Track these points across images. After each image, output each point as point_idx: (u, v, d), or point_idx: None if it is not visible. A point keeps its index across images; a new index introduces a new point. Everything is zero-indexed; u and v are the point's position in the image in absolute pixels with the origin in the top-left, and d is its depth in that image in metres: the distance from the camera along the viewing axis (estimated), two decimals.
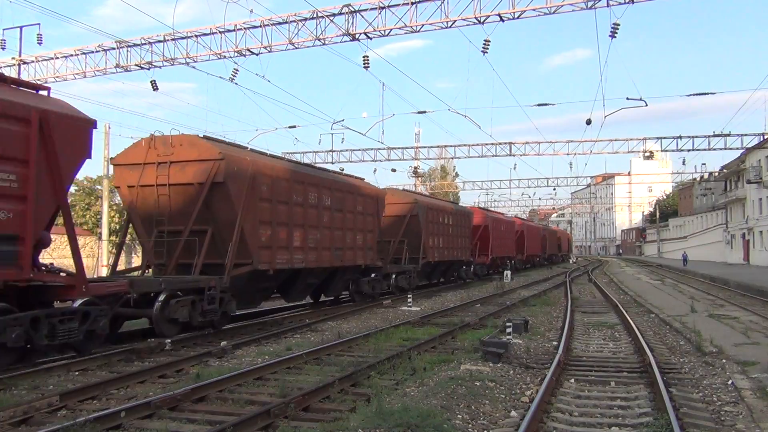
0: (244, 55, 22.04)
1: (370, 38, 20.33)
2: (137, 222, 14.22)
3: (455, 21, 19.08)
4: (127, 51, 24.00)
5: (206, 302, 12.59)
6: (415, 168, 54.19)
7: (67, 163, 9.69)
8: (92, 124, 10.25)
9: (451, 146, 40.60)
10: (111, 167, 15.42)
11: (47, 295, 9.94)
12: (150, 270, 14.41)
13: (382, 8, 19.71)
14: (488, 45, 19.75)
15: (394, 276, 22.45)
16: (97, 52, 24.71)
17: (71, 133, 9.78)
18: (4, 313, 8.82)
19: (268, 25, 21.39)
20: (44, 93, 10.08)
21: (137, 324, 14.76)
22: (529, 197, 76.97)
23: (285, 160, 17.38)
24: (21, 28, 27.07)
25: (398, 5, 19.55)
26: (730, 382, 8.87)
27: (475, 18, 18.80)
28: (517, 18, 18.67)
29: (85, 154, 10.15)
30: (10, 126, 8.84)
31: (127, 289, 11.24)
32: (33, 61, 26.39)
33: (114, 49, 24.21)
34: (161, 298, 11.86)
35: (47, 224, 9.77)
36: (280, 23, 21.27)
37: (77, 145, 9.95)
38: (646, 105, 25.65)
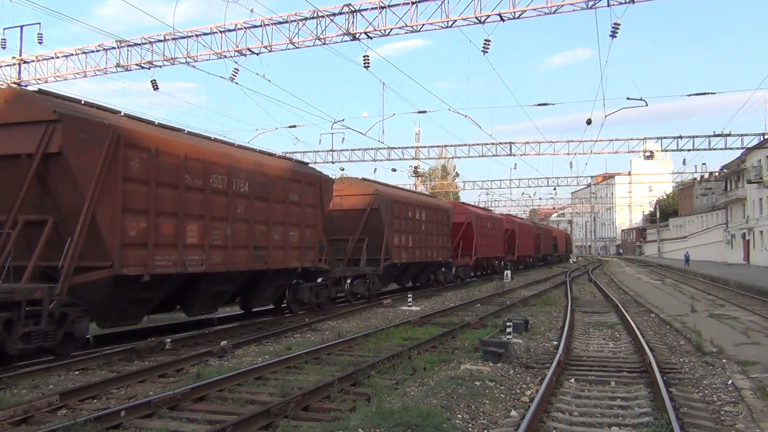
0: (245, 55, 22.04)
1: (371, 38, 20.35)
2: None
3: (456, 21, 19.08)
4: (128, 50, 24.02)
5: (25, 322, 9.33)
6: (416, 168, 54.22)
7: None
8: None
9: (451, 146, 40.64)
10: None
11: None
12: None
13: (383, 8, 19.72)
14: (489, 45, 19.76)
15: (348, 280, 19.53)
16: (97, 51, 24.74)
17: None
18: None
19: (268, 24, 21.40)
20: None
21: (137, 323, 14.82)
22: (530, 197, 76.99)
23: (183, 132, 13.48)
24: (21, 27, 27.16)
25: (399, 5, 19.56)
26: (730, 382, 8.87)
27: (476, 18, 18.81)
28: (518, 18, 18.68)
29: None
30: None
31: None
32: (33, 61, 26.42)
33: (114, 48, 24.24)
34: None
35: None
36: (280, 23, 21.28)
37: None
38: (647, 105, 25.72)
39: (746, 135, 32.98)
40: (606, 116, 37.75)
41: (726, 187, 63.58)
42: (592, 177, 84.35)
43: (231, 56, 22.15)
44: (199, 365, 10.01)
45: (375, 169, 50.34)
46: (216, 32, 22.18)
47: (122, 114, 11.81)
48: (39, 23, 49.13)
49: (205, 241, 12.59)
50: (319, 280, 17.74)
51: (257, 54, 21.91)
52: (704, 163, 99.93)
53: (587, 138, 35.51)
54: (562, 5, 18.14)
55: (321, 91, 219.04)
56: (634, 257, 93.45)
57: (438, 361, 10.22)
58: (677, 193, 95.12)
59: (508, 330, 12.27)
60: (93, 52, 24.87)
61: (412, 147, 42.95)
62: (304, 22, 20.93)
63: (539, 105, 54.55)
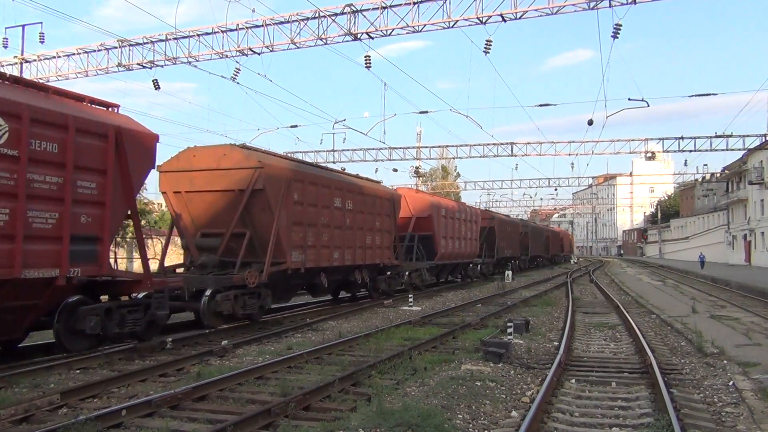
0: (246, 55, 22.04)
1: (372, 38, 20.35)
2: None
3: (457, 21, 19.07)
4: (129, 50, 24.02)
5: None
6: (417, 168, 54.24)
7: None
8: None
9: (452, 146, 40.51)
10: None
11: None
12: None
13: (384, 8, 19.71)
14: (490, 45, 19.73)
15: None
16: (99, 51, 24.73)
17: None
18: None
19: (270, 24, 21.40)
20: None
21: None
22: (531, 197, 76.97)
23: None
24: (23, 26, 27.18)
25: (400, 5, 19.55)
26: (731, 383, 8.87)
27: (477, 18, 18.79)
28: (519, 18, 18.65)
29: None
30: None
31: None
32: (35, 60, 26.43)
33: (116, 48, 24.22)
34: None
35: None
36: (282, 23, 21.28)
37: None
38: (648, 106, 25.65)
39: (748, 136, 32.90)
40: (607, 117, 37.92)
41: (727, 188, 63.55)
42: (593, 178, 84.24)
43: (232, 56, 22.15)
44: (200, 364, 10.02)
45: (376, 169, 50.38)
46: (217, 32, 22.18)
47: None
48: (41, 23, 49.23)
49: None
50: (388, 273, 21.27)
51: (259, 54, 21.91)
52: (706, 164, 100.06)
53: (589, 139, 35.45)
54: (564, 6, 18.13)
55: (322, 91, 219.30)
56: (635, 258, 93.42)
57: (439, 361, 10.22)
58: (679, 194, 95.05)
59: (509, 330, 12.27)
60: (94, 51, 24.86)
61: (414, 147, 42.89)
62: (305, 22, 20.93)
63: (541, 105, 54.46)
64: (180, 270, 15.25)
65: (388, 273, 22.02)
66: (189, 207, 14.95)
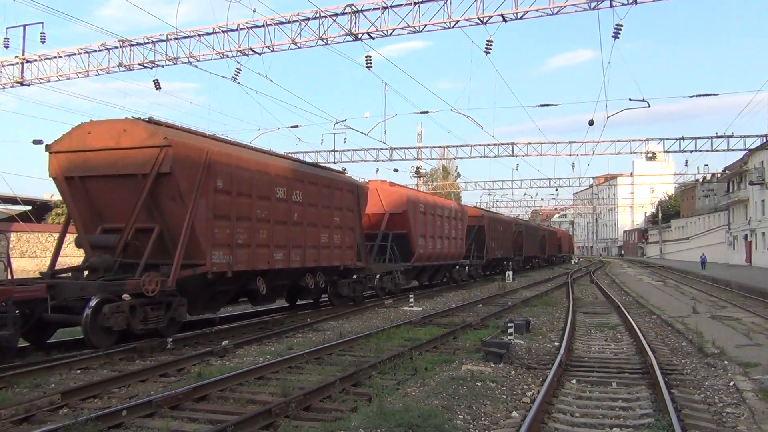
0: (247, 55, 22.04)
1: (373, 38, 20.34)
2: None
3: (458, 21, 19.06)
4: (130, 50, 24.02)
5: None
6: (417, 168, 54.23)
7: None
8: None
9: (453, 146, 40.51)
10: None
11: None
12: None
13: (385, 8, 19.71)
14: (491, 45, 19.72)
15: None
16: (100, 51, 24.73)
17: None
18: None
19: (270, 24, 21.39)
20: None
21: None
22: (531, 198, 76.87)
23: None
24: (24, 26, 27.09)
25: (401, 5, 19.55)
26: (731, 383, 8.86)
27: (478, 18, 18.79)
28: (520, 18, 18.65)
29: None
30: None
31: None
32: (36, 60, 26.44)
33: (117, 48, 24.22)
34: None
35: None
36: (282, 23, 21.27)
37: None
38: (649, 106, 25.62)
39: (749, 136, 32.89)
40: (608, 117, 37.60)
41: (728, 188, 63.53)
42: (594, 178, 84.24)
43: (233, 56, 22.15)
44: (201, 365, 10.02)
45: (377, 170, 50.35)
46: (218, 32, 22.18)
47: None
48: (42, 23, 49.04)
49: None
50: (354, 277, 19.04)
51: (259, 54, 21.91)
52: (706, 165, 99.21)
53: (589, 139, 35.41)
54: (565, 6, 18.13)
55: (323, 91, 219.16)
56: (635, 258, 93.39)
57: (439, 361, 10.22)
58: (679, 194, 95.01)
59: (510, 331, 12.27)
60: (95, 51, 24.86)
61: (414, 147, 42.88)
62: (306, 22, 20.92)
63: (541, 106, 54.27)
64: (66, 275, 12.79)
65: (355, 276, 19.28)
66: (86, 196, 12.36)
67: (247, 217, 13.68)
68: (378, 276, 21.26)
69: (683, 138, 33.52)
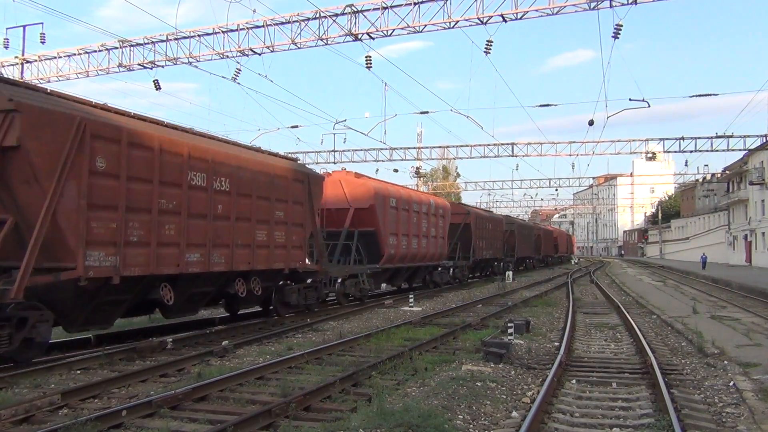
0: (247, 55, 22.05)
1: (373, 38, 20.35)
2: None
3: (458, 21, 19.08)
4: (130, 50, 24.04)
5: None
6: (417, 168, 54.24)
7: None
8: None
9: (453, 147, 40.54)
10: None
11: None
12: None
13: (385, 8, 19.72)
14: (491, 45, 19.73)
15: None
16: (99, 51, 24.75)
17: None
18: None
19: (270, 24, 21.40)
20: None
21: (138, 323, 14.81)
22: (531, 198, 76.92)
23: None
24: (24, 27, 27.22)
25: (401, 5, 19.56)
26: (731, 383, 8.86)
27: (478, 18, 18.80)
28: (520, 18, 18.67)
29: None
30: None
31: None
32: (36, 60, 26.46)
33: (117, 48, 24.25)
34: None
35: None
36: (282, 23, 21.29)
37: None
38: (649, 106, 25.68)
39: (749, 136, 32.91)
40: (608, 117, 37.75)
41: (728, 188, 63.54)
42: (594, 178, 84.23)
43: (233, 56, 22.16)
44: (201, 365, 10.02)
45: (377, 170, 50.33)
46: (218, 32, 22.19)
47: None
48: (42, 23, 49.38)
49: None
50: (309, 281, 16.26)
51: (259, 54, 21.92)
52: (706, 165, 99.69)
53: (589, 139, 35.44)
54: (565, 6, 18.14)
55: (323, 91, 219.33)
56: (635, 258, 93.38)
57: (439, 361, 10.22)
58: (679, 194, 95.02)
59: (510, 331, 12.27)
60: (95, 52, 24.89)
61: (414, 147, 42.90)
62: (306, 22, 20.94)
63: (541, 106, 54.32)
64: None
65: (309, 281, 16.83)
66: None
67: (145, 208, 10.88)
68: (339, 280, 18.74)
69: (683, 138, 33.54)
